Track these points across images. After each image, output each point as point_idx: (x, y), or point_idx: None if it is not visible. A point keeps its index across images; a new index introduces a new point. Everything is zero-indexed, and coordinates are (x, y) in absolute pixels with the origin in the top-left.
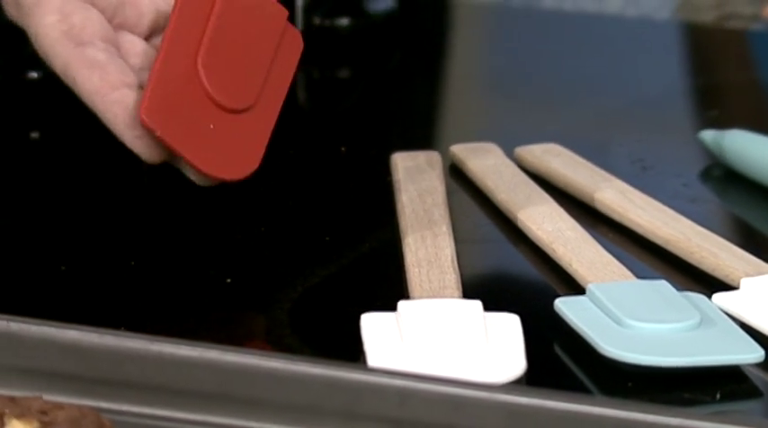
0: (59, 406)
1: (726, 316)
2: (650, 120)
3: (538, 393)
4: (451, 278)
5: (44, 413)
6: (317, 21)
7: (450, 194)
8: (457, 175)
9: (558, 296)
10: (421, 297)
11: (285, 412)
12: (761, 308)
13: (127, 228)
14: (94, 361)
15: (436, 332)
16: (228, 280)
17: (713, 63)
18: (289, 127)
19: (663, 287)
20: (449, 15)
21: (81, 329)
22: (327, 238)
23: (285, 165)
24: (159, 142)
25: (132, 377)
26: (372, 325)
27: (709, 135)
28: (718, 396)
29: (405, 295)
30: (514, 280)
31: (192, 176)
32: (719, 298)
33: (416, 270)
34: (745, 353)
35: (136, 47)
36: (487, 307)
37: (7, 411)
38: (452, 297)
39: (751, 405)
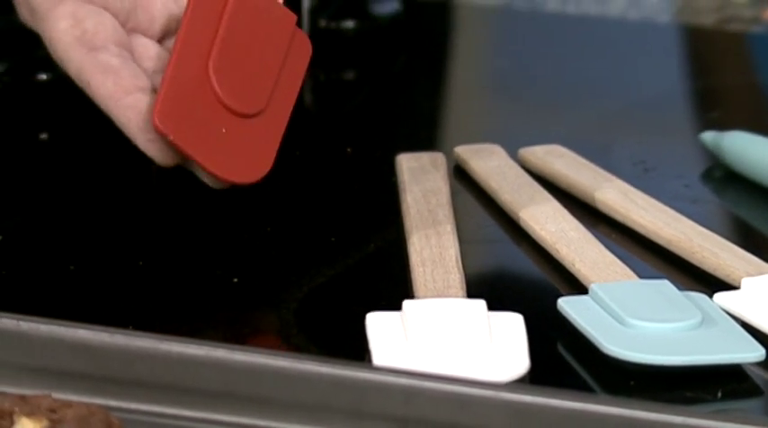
0: (68, 405)
1: (727, 316)
2: (652, 122)
3: (541, 391)
4: (456, 277)
5: (53, 411)
6: (323, 23)
7: (454, 195)
8: (461, 176)
9: (562, 295)
10: (426, 296)
11: (292, 410)
12: (762, 308)
13: (135, 229)
14: (103, 359)
15: (441, 331)
16: (235, 280)
17: (714, 65)
18: (295, 128)
19: (665, 287)
20: (453, 18)
21: (90, 328)
22: (333, 238)
23: (291, 166)
24: (172, 146)
25: (141, 375)
26: (378, 324)
27: (709, 136)
28: (719, 394)
29: (410, 294)
30: (518, 280)
31: (205, 179)
32: (721, 297)
33: (421, 269)
34: (746, 352)
35: (149, 50)
36: (491, 307)
37: (17, 409)
38: (457, 296)
39: (752, 404)
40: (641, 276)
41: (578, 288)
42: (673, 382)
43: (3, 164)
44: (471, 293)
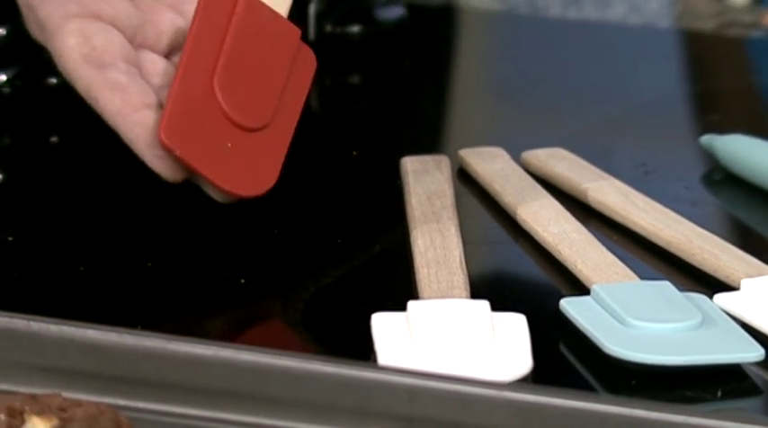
0: (78, 403)
1: (727, 316)
2: (652, 126)
3: (544, 391)
4: (460, 278)
5: (63, 410)
6: (328, 28)
7: (458, 197)
8: (465, 179)
9: (564, 296)
10: (430, 297)
11: (298, 409)
12: (761, 309)
13: (143, 230)
14: (112, 359)
15: (445, 331)
16: (243, 281)
17: (713, 69)
18: (301, 132)
19: (665, 288)
20: (457, 23)
21: (99, 329)
22: (339, 240)
23: (298, 169)
24: (179, 161)
25: (149, 375)
26: (383, 324)
27: (709, 139)
28: (719, 394)
29: (414, 295)
30: (521, 281)
31: (213, 194)
32: (720, 298)
33: (425, 270)
34: (745, 352)
35: (156, 66)
36: (495, 307)
37: (27, 408)
38: (461, 297)
39: (751, 403)
40: (642, 277)
41: (580, 289)
42: (673, 382)
43: (14, 167)
44: (475, 294)
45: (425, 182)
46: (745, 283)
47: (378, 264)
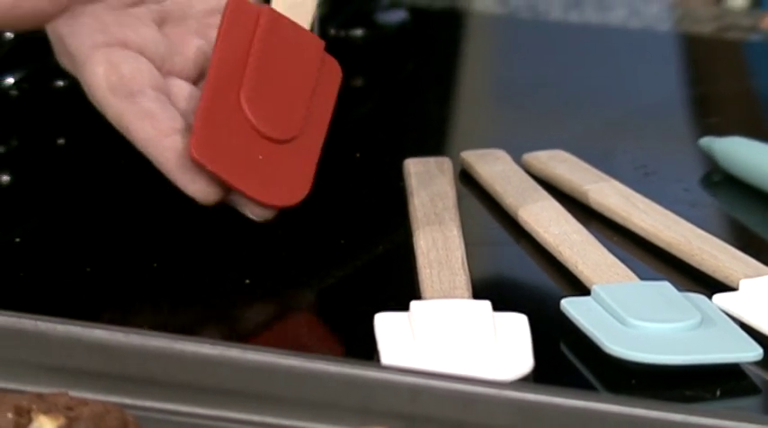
0: (84, 402)
1: (726, 316)
2: (652, 128)
3: (545, 390)
4: (462, 279)
5: (70, 409)
6: (332, 32)
7: (460, 198)
8: (467, 180)
9: (564, 296)
10: (432, 297)
11: (302, 408)
12: (759, 309)
13: (149, 231)
14: (119, 359)
15: (447, 331)
16: (247, 281)
17: (712, 73)
18: None
19: (665, 288)
20: (459, 27)
21: (106, 328)
22: (342, 241)
23: None
24: (212, 182)
25: (155, 374)
26: (386, 324)
27: (708, 142)
28: (718, 393)
29: (417, 295)
30: (522, 282)
31: (248, 211)
32: (719, 298)
33: (428, 271)
34: (744, 352)
35: (184, 91)
36: (496, 307)
37: (35, 407)
38: (462, 297)
39: (750, 402)
40: (642, 278)
41: (581, 289)
42: (673, 381)
43: (22, 169)
44: (477, 294)
45: (428, 184)
46: (743, 284)
47: (381, 265)
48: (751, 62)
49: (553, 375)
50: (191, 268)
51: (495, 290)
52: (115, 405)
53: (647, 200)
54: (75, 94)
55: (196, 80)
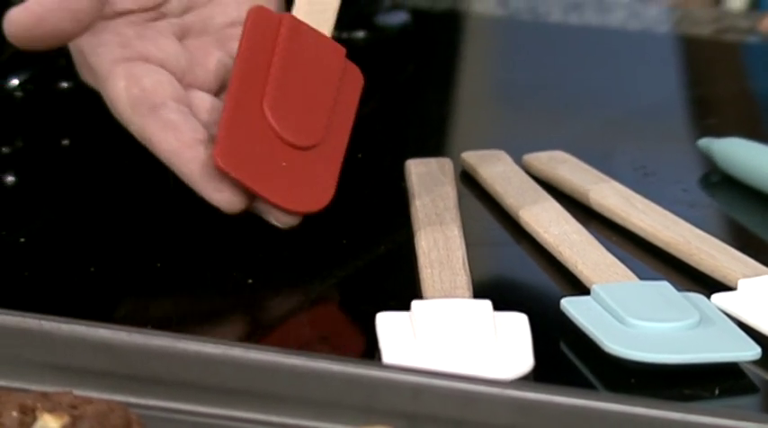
0: (88, 401)
1: (724, 316)
2: (651, 129)
3: (545, 389)
4: (462, 279)
5: (74, 407)
6: (334, 34)
7: (461, 199)
8: (467, 181)
9: (564, 296)
10: (433, 297)
11: (305, 406)
12: (758, 308)
13: (153, 232)
14: (123, 358)
15: (448, 330)
16: (250, 281)
17: (711, 74)
18: None
19: (664, 287)
20: (460, 29)
21: (110, 328)
22: (344, 241)
23: None
24: (237, 191)
25: (159, 373)
26: (387, 323)
27: (706, 143)
28: (716, 391)
29: (418, 295)
30: (522, 281)
31: (272, 218)
32: (718, 298)
33: (429, 271)
34: (742, 351)
35: (206, 103)
36: (497, 307)
37: (39, 405)
38: (463, 297)
39: (748, 401)
40: (641, 277)
41: (580, 289)
42: (672, 380)
43: (26, 169)
44: (477, 294)
45: (429, 185)
46: (742, 283)
47: (382, 265)
48: (749, 64)
49: (553, 374)
50: (194, 268)
51: (496, 290)
52: (119, 403)
53: (646, 201)
54: (80, 96)
55: (217, 92)
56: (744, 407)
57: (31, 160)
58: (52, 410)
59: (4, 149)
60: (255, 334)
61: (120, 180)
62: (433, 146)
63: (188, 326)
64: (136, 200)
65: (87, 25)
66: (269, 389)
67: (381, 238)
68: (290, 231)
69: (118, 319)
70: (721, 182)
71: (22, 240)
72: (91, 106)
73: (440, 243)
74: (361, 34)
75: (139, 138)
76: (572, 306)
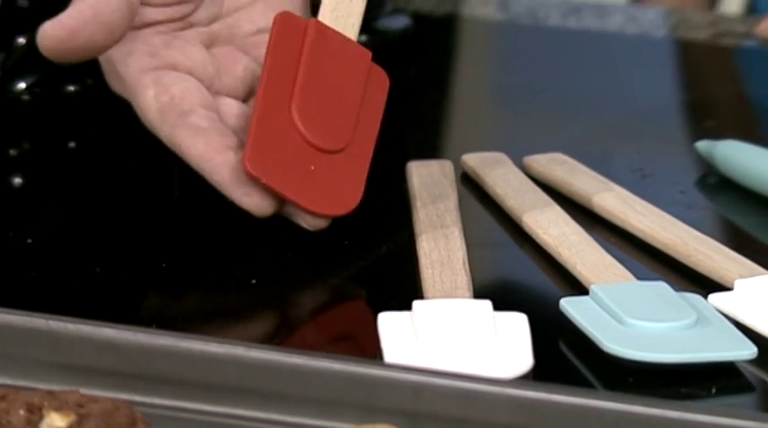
0: (94, 399)
1: (721, 316)
2: (649, 132)
3: (544, 387)
4: (463, 279)
5: (80, 406)
6: None
7: (461, 200)
8: (468, 183)
9: (563, 296)
10: (434, 297)
11: (307, 405)
12: (754, 308)
13: (158, 233)
14: (128, 357)
15: (449, 330)
16: (254, 281)
17: (707, 78)
18: None
19: (661, 288)
20: (460, 33)
21: (115, 327)
22: (346, 242)
23: None
24: (267, 195)
25: (163, 372)
26: (389, 323)
27: (703, 145)
28: (713, 390)
29: (419, 295)
30: (522, 282)
31: (301, 221)
32: (715, 298)
33: (430, 271)
34: (739, 350)
35: (234, 109)
36: (497, 307)
37: (46, 404)
38: (464, 297)
39: (744, 400)
40: (639, 278)
41: (579, 289)
42: (669, 379)
43: (33, 172)
44: (478, 294)
45: (430, 187)
46: (738, 284)
47: (384, 265)
48: (745, 67)
49: (552, 373)
50: (198, 268)
51: (496, 290)
52: (124, 402)
53: (644, 203)
54: (86, 99)
55: (245, 98)
56: (740, 406)
57: (37, 162)
58: (59, 408)
59: (12, 151)
60: (259, 334)
61: (125, 182)
62: (434, 148)
63: (192, 326)
64: (141, 201)
65: (120, 37)
66: (271, 388)
67: (383, 239)
68: (293, 232)
69: (123, 319)
70: (718, 184)
71: (29, 241)
72: (97, 110)
73: (441, 244)
74: (363, 38)
75: (169, 145)
76: (571, 306)
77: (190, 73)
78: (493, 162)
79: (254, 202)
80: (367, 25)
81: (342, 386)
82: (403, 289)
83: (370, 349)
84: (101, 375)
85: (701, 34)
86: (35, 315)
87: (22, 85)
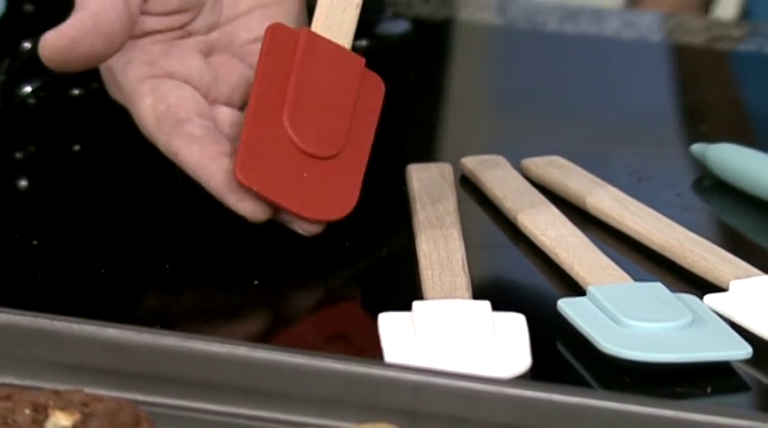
0: (99, 399)
1: (716, 316)
2: (645, 135)
3: (542, 387)
4: (462, 280)
5: (85, 405)
6: None
7: (460, 203)
8: (467, 185)
9: (561, 297)
10: (434, 297)
11: (308, 404)
12: (749, 309)
13: (161, 234)
14: (132, 357)
15: (448, 330)
16: (256, 282)
17: (702, 82)
18: None
19: (657, 289)
20: (459, 38)
21: (119, 327)
22: (347, 243)
23: None
24: (259, 202)
25: (167, 371)
26: (389, 323)
27: (698, 148)
28: (709, 390)
29: (419, 296)
30: (520, 283)
31: (296, 227)
32: (710, 299)
33: (430, 272)
34: (734, 350)
35: (230, 118)
36: (495, 308)
37: (51, 403)
38: (463, 298)
39: (739, 399)
40: (635, 279)
41: (576, 290)
42: (665, 378)
43: (39, 174)
44: (476, 295)
45: (430, 189)
46: (733, 285)
47: (384, 267)
48: (739, 72)
49: (550, 372)
50: (201, 269)
51: (495, 291)
52: (128, 401)
53: (640, 205)
54: (91, 103)
55: (242, 106)
56: (735, 405)
57: (43, 165)
58: (64, 408)
59: (18, 155)
60: (261, 334)
61: (129, 184)
62: (434, 151)
63: (195, 326)
64: (145, 203)
65: (120, 46)
66: (274, 387)
67: (383, 241)
68: (294, 234)
69: (127, 319)
70: (713, 186)
71: (35, 242)
72: (101, 113)
73: (440, 245)
74: (363, 43)
75: (166, 153)
76: (568, 306)
77: (186, 81)
78: (491, 165)
79: (248, 208)
80: (367, 30)
81: (343, 385)
82: (403, 289)
83: (370, 349)
84: (105, 375)
85: (697, 39)
86: (40, 315)
87: (28, 89)
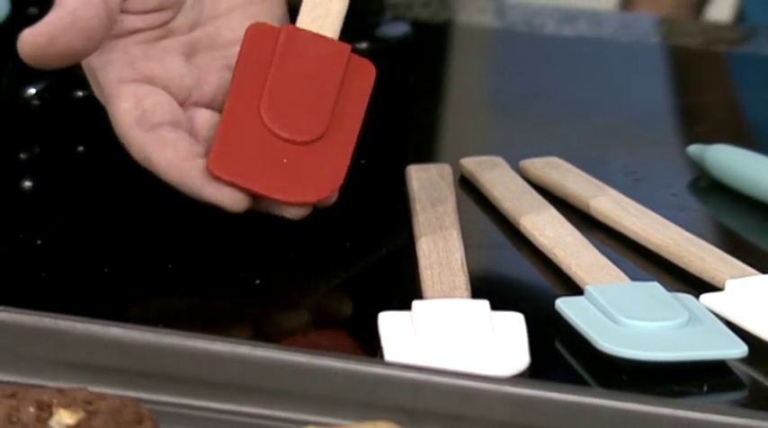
0: (102, 397)
1: (712, 315)
2: (642, 136)
3: (540, 385)
4: (461, 279)
5: (88, 403)
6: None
7: (459, 203)
8: (466, 186)
9: (559, 296)
10: (433, 297)
11: (309, 402)
12: (744, 308)
13: (164, 234)
14: (135, 355)
15: (447, 329)
16: (258, 282)
17: (699, 83)
18: None
19: (654, 288)
20: (458, 40)
21: (123, 326)
22: (348, 243)
23: None
24: (236, 190)
25: (169, 370)
26: (389, 322)
27: (695, 149)
28: (705, 388)
29: (418, 295)
30: (519, 282)
31: (282, 212)
32: (706, 298)
33: (429, 272)
34: (730, 349)
35: (209, 120)
36: (494, 307)
37: (55, 401)
38: (462, 297)
39: (735, 397)
40: (633, 278)
41: (574, 289)
42: (662, 377)
43: (43, 175)
44: (475, 294)
45: (429, 190)
46: (729, 284)
47: (384, 266)
48: (734, 73)
49: (548, 371)
50: (203, 269)
51: (494, 291)
52: (132, 399)
53: (637, 205)
54: (95, 104)
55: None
56: (731, 403)
57: (47, 166)
58: (68, 406)
59: (22, 155)
60: (262, 333)
61: (132, 185)
62: (433, 152)
63: (197, 325)
64: (148, 204)
65: (98, 43)
66: (275, 385)
67: (383, 241)
68: (296, 233)
69: (130, 318)
70: (709, 187)
71: (39, 242)
72: (105, 115)
73: (439, 245)
74: (363, 45)
75: (138, 158)
76: (566, 306)
77: (166, 85)
78: (490, 165)
79: (226, 196)
80: (367, 32)
81: (343, 383)
82: (403, 289)
83: (370, 347)
84: (108, 373)
85: (693, 41)
86: (44, 314)
87: (33, 91)
